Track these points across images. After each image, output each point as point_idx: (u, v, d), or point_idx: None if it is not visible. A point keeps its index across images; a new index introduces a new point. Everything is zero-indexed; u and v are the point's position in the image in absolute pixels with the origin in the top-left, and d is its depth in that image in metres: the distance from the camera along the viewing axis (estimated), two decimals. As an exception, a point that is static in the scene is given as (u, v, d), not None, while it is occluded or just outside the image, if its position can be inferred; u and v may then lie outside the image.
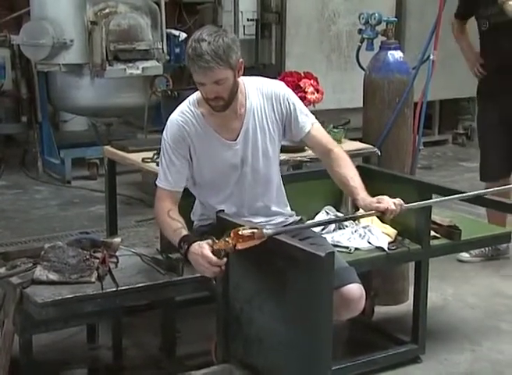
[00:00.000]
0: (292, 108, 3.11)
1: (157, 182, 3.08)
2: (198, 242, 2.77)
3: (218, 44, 2.82)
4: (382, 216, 2.96)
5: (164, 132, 3.07)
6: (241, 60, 2.94)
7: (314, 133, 3.15)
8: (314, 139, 3.16)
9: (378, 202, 2.94)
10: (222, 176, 3.09)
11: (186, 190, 3.16)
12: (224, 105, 2.95)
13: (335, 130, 4.03)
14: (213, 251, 2.71)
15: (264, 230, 2.69)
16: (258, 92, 3.08)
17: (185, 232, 2.89)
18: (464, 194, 3.28)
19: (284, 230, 2.83)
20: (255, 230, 2.66)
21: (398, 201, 2.95)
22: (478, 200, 3.48)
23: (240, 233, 2.65)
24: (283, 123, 3.12)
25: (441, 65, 4.84)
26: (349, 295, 2.95)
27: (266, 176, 3.14)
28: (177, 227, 2.91)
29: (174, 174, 3.03)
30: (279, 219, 3.21)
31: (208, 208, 3.14)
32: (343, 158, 3.14)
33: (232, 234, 2.65)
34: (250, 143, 3.07)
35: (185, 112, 3.05)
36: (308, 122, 3.14)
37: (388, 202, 2.93)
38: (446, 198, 3.25)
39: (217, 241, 2.71)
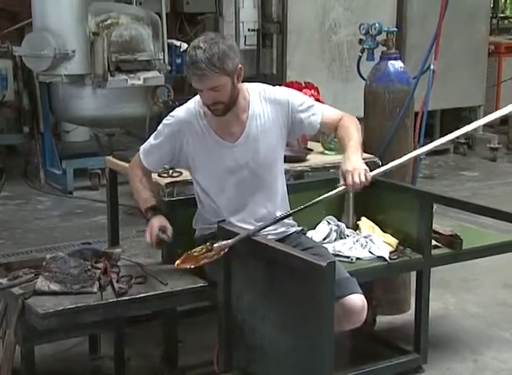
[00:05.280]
0: (299, 112, 3.14)
1: (140, 149, 3.22)
2: (159, 217, 3.09)
3: (213, 52, 2.86)
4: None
5: (169, 115, 3.17)
6: (240, 66, 2.96)
7: (325, 121, 3.18)
8: (327, 124, 3.20)
9: (343, 176, 2.91)
10: (219, 179, 3.11)
11: (190, 199, 3.22)
12: (223, 109, 2.99)
13: (335, 139, 4.03)
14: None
15: (223, 242, 2.88)
16: (261, 98, 3.11)
17: (153, 202, 3.15)
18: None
19: (241, 238, 2.89)
20: (214, 246, 2.89)
21: (363, 173, 2.89)
22: (472, 208, 3.61)
23: (195, 254, 2.92)
24: (289, 128, 3.15)
25: (441, 75, 4.85)
26: (351, 306, 2.95)
27: (268, 182, 3.15)
28: (147, 196, 3.17)
29: (155, 156, 3.17)
30: (281, 228, 3.21)
31: (209, 215, 3.15)
32: (346, 121, 3.15)
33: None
34: (250, 148, 3.09)
35: (192, 108, 3.12)
36: (317, 115, 3.17)
37: (349, 178, 2.87)
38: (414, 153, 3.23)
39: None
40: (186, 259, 2.95)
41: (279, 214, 3.17)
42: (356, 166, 2.90)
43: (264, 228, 3.00)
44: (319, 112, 3.18)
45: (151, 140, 3.19)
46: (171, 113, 3.16)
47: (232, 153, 3.09)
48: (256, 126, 3.09)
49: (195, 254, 2.93)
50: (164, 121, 3.16)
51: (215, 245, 2.88)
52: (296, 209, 3.02)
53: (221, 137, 3.08)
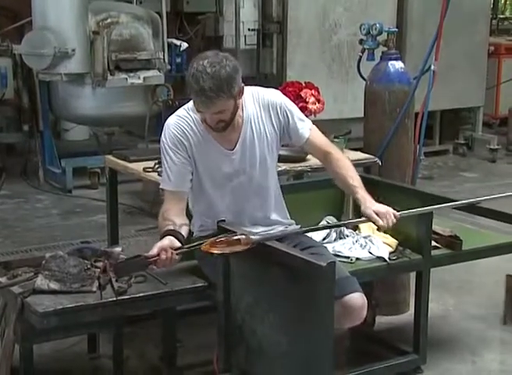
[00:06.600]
0: (289, 117, 3.12)
1: (161, 186, 3.11)
2: (169, 238, 2.91)
3: (221, 77, 2.82)
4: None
5: (162, 136, 3.09)
6: (242, 85, 2.95)
7: (312, 139, 3.19)
8: (313, 144, 3.20)
9: (377, 214, 3.03)
10: (218, 185, 3.10)
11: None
12: (224, 126, 2.97)
13: (336, 140, 4.04)
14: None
15: (252, 237, 2.78)
16: (255, 101, 3.09)
17: (168, 228, 2.96)
18: (458, 203, 3.44)
19: (271, 237, 2.88)
20: (242, 236, 2.77)
21: (394, 216, 3.06)
22: (473, 209, 3.68)
23: (217, 240, 2.78)
24: (280, 132, 3.14)
25: (441, 75, 4.85)
26: (351, 304, 2.95)
27: (264, 184, 3.15)
28: (165, 226, 2.97)
29: (176, 174, 3.05)
30: (279, 228, 3.21)
31: (207, 218, 3.14)
32: (341, 159, 3.21)
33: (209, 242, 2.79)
34: (247, 153, 3.08)
35: (183, 116, 3.07)
36: (306, 128, 3.17)
37: (384, 219, 3.03)
38: (438, 206, 3.34)
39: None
40: (212, 245, 2.81)
41: (273, 216, 3.18)
42: (386, 208, 3.07)
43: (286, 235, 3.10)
44: (309, 128, 3.18)
45: (163, 168, 3.09)
46: (164, 130, 3.07)
47: (231, 160, 3.07)
48: (251, 130, 3.08)
49: (220, 241, 2.82)
50: (162, 144, 3.06)
51: (242, 237, 2.79)
52: (316, 227, 3.24)
53: (219, 143, 3.06)
